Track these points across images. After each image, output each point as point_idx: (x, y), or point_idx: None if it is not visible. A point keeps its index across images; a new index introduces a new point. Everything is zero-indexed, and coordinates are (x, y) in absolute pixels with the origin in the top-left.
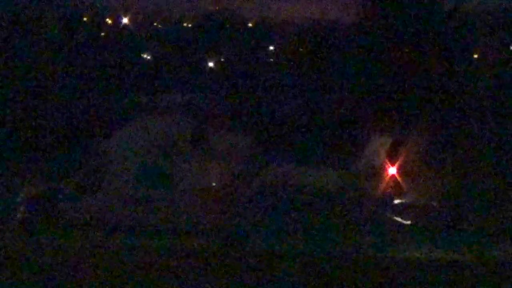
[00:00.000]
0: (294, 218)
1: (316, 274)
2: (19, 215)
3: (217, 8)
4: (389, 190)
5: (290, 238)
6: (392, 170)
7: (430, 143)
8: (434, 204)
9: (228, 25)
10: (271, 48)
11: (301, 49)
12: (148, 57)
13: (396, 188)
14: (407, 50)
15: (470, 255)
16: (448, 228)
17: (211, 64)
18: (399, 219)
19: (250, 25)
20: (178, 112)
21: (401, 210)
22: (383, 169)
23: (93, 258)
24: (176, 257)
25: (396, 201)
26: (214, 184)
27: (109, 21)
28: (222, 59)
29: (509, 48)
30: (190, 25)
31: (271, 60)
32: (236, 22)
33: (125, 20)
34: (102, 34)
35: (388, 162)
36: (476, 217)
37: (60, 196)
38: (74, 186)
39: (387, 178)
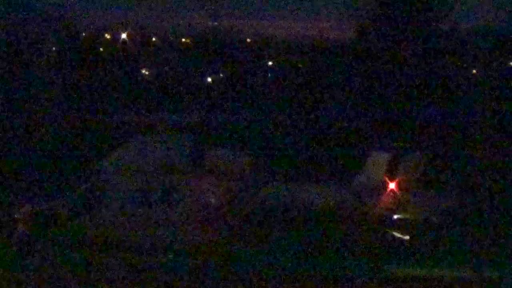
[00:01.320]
0: (293, 236)
1: None
2: (16, 235)
3: (215, 23)
4: (388, 206)
5: (289, 257)
6: (391, 185)
7: (430, 159)
8: (434, 219)
9: (226, 41)
10: (270, 63)
11: (299, 65)
12: (147, 73)
13: (396, 203)
14: (403, 68)
15: (470, 272)
16: (448, 243)
17: (209, 80)
18: (398, 234)
19: (248, 40)
20: (176, 130)
21: (400, 225)
22: (382, 184)
23: (92, 277)
24: (175, 275)
25: (396, 216)
26: (213, 202)
27: (107, 36)
28: (221, 75)
29: (504, 64)
30: (189, 41)
31: (270, 76)
32: (234, 38)
33: (123, 36)
34: (100, 49)
35: (387, 178)
36: (476, 233)
37: (57, 215)
38: (71, 205)
39: (386, 194)
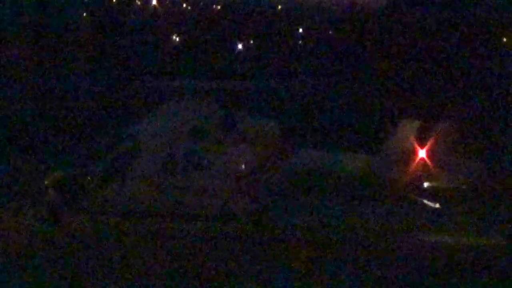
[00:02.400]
0: (323, 203)
1: (343, 258)
2: (46, 200)
3: None
4: (418, 174)
5: (318, 223)
6: (421, 153)
7: (460, 127)
8: (464, 187)
9: (257, 9)
10: (301, 31)
11: (330, 33)
12: (177, 40)
13: (426, 171)
14: (437, 37)
15: (499, 239)
16: (478, 212)
17: (240, 47)
18: (429, 202)
19: (279, 7)
20: (207, 97)
21: (430, 194)
22: (412, 152)
23: (122, 244)
24: (207, 242)
25: (426, 185)
26: (243, 168)
27: (138, 2)
28: (251, 43)
29: None
30: (219, 8)
31: (301, 43)
32: (265, 5)
33: (154, 2)
34: (132, 17)
35: (417, 146)
36: (505, 201)
37: (88, 181)
38: (102, 171)
39: (416, 162)
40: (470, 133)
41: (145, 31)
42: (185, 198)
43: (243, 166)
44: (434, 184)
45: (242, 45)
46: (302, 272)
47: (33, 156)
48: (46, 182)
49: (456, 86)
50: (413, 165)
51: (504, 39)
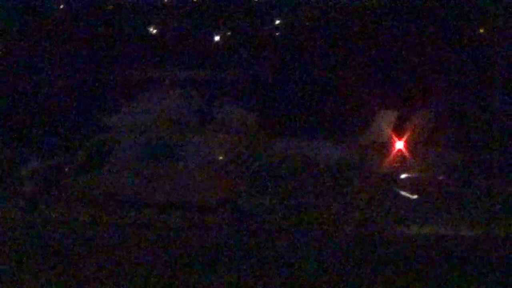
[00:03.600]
0: (300, 192)
1: (323, 250)
2: (24, 189)
3: None
4: (395, 165)
5: (296, 213)
6: (398, 145)
7: (437, 117)
8: (441, 178)
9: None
10: (278, 22)
11: (307, 23)
12: (155, 31)
13: (403, 162)
14: (415, 24)
15: (477, 230)
16: (455, 202)
17: (217, 38)
18: (406, 193)
19: None
20: (185, 87)
21: (407, 185)
22: (389, 143)
23: (98, 233)
24: (183, 232)
25: (403, 176)
26: (221, 158)
27: None
28: (228, 33)
29: None
30: None
31: (278, 34)
32: None
33: None
34: (109, 7)
35: (394, 137)
36: (483, 191)
37: (66, 171)
38: (80, 161)
39: (393, 152)
40: (447, 123)
41: (123, 22)
42: (164, 188)
43: (221, 156)
44: (411, 174)
45: (219, 35)
46: (281, 260)
47: (10, 147)
48: (23, 173)
49: (435, 75)
50: (391, 156)
51: (481, 29)
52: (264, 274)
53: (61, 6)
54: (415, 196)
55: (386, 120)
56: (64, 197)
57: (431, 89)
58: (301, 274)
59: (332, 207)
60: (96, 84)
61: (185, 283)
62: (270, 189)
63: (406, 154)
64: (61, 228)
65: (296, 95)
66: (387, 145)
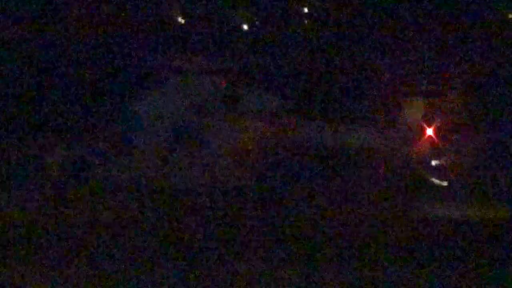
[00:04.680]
0: (326, 179)
1: (349, 235)
2: (50, 177)
3: None
4: (426, 151)
5: (322, 200)
6: (429, 131)
7: (467, 104)
8: (472, 165)
9: None
10: (305, 10)
11: (334, 10)
12: (180, 17)
13: (433, 149)
14: (442, 10)
15: (505, 214)
16: (485, 188)
17: (245, 26)
18: (436, 180)
19: None
20: (210, 73)
21: (438, 171)
22: (420, 130)
23: (124, 221)
24: (211, 218)
25: (434, 162)
26: (246, 144)
27: None
28: (255, 20)
29: None
30: None
31: (305, 21)
32: None
33: None
34: None
35: (424, 123)
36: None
37: (92, 158)
38: (105, 148)
39: (424, 139)
40: (479, 108)
41: (148, 8)
42: (190, 174)
43: (247, 142)
44: (442, 161)
45: (247, 22)
46: (306, 247)
47: (36, 134)
48: (49, 159)
49: (465, 62)
50: (421, 142)
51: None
52: (288, 260)
53: None
54: (445, 183)
55: (415, 105)
56: (91, 183)
57: (461, 74)
58: (325, 261)
59: (358, 193)
60: (121, 72)
61: (210, 269)
62: (295, 175)
63: (436, 140)
64: (88, 215)
65: (324, 81)
66: (417, 132)
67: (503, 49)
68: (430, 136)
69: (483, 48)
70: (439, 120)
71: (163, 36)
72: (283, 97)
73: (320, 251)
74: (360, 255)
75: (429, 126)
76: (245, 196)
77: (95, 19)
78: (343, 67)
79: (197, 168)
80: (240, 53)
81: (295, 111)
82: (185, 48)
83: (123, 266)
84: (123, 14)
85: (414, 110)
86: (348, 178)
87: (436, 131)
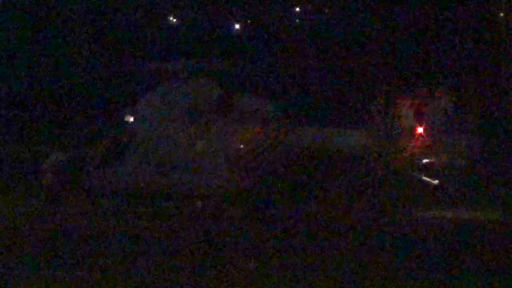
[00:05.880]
0: (320, 181)
1: (342, 236)
2: (44, 182)
3: None
4: (417, 150)
5: (316, 201)
6: (419, 130)
7: (457, 102)
8: (462, 163)
9: None
10: (297, 10)
11: (326, 11)
12: (174, 21)
13: (424, 147)
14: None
15: (496, 214)
16: (476, 187)
17: (237, 27)
18: (427, 178)
19: None
20: (203, 77)
21: (429, 170)
22: (410, 129)
23: (118, 225)
24: (204, 222)
25: (424, 161)
26: (240, 148)
27: None
28: (247, 22)
29: None
30: None
31: (297, 22)
32: None
33: None
34: None
35: (415, 122)
36: (504, 176)
37: (86, 164)
38: (100, 153)
39: (415, 138)
40: (468, 108)
41: (140, 12)
42: (183, 179)
43: (240, 146)
44: (433, 160)
45: (239, 25)
46: (300, 250)
47: (31, 139)
48: (44, 165)
49: (456, 62)
50: (412, 142)
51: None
52: (282, 265)
53: None
54: (436, 181)
55: (406, 106)
56: (85, 189)
57: (452, 74)
58: (319, 265)
59: (352, 195)
60: (114, 77)
61: (203, 273)
62: (289, 179)
63: (427, 139)
64: (81, 221)
65: (315, 84)
66: (407, 131)
67: (497, 50)
68: (421, 135)
69: (476, 48)
70: (430, 119)
71: (155, 41)
72: (276, 101)
73: (314, 254)
74: (354, 256)
75: (420, 125)
76: (239, 199)
77: (88, 25)
78: (335, 70)
79: (191, 172)
80: (233, 57)
81: (288, 115)
82: (176, 52)
83: (120, 269)
84: (115, 20)
85: (405, 109)
86: (341, 180)
87: (427, 130)
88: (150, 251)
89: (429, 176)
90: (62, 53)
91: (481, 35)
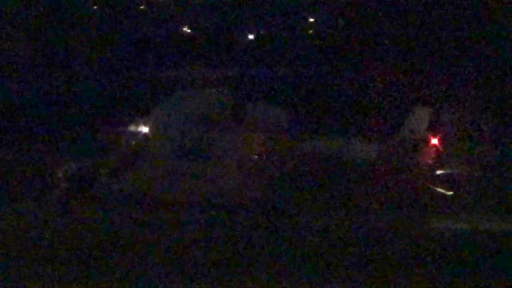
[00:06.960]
0: (334, 190)
1: (357, 245)
2: (57, 192)
3: None
4: (431, 161)
5: (330, 211)
6: (434, 141)
7: (472, 114)
8: (476, 174)
9: None
10: (311, 20)
11: (339, 21)
12: (188, 31)
13: (438, 158)
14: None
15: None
16: (490, 197)
17: (251, 37)
18: (441, 189)
19: None
20: (217, 86)
21: (443, 181)
22: (425, 140)
23: (132, 234)
24: (218, 229)
25: (439, 172)
26: (254, 156)
27: None
28: (261, 32)
29: None
30: None
31: (311, 32)
32: None
33: None
34: (141, 7)
35: (430, 133)
36: None
37: (100, 173)
38: (112, 163)
39: (429, 149)
40: (482, 119)
41: (154, 21)
42: (196, 187)
43: (253, 154)
44: (447, 171)
45: (253, 34)
46: (313, 258)
47: (45, 149)
48: (58, 174)
49: (471, 73)
50: (426, 152)
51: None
52: (296, 272)
53: (94, 7)
54: (450, 193)
55: (420, 116)
56: (99, 197)
57: (466, 85)
58: (332, 273)
59: (367, 205)
60: (128, 85)
61: (218, 282)
62: (302, 188)
63: (441, 150)
64: (94, 230)
65: (329, 93)
66: (421, 142)
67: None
68: (435, 145)
69: (491, 59)
70: (444, 129)
71: (169, 49)
72: (288, 109)
73: (326, 262)
74: (367, 266)
75: (434, 135)
76: (252, 208)
77: (101, 35)
78: (347, 78)
79: (203, 180)
80: (246, 65)
81: (302, 124)
82: (191, 61)
83: (131, 276)
84: (128, 28)
85: (419, 119)
86: (355, 189)
87: (441, 141)
88: (163, 259)
89: (444, 188)
90: (78, 62)
91: (500, 46)
